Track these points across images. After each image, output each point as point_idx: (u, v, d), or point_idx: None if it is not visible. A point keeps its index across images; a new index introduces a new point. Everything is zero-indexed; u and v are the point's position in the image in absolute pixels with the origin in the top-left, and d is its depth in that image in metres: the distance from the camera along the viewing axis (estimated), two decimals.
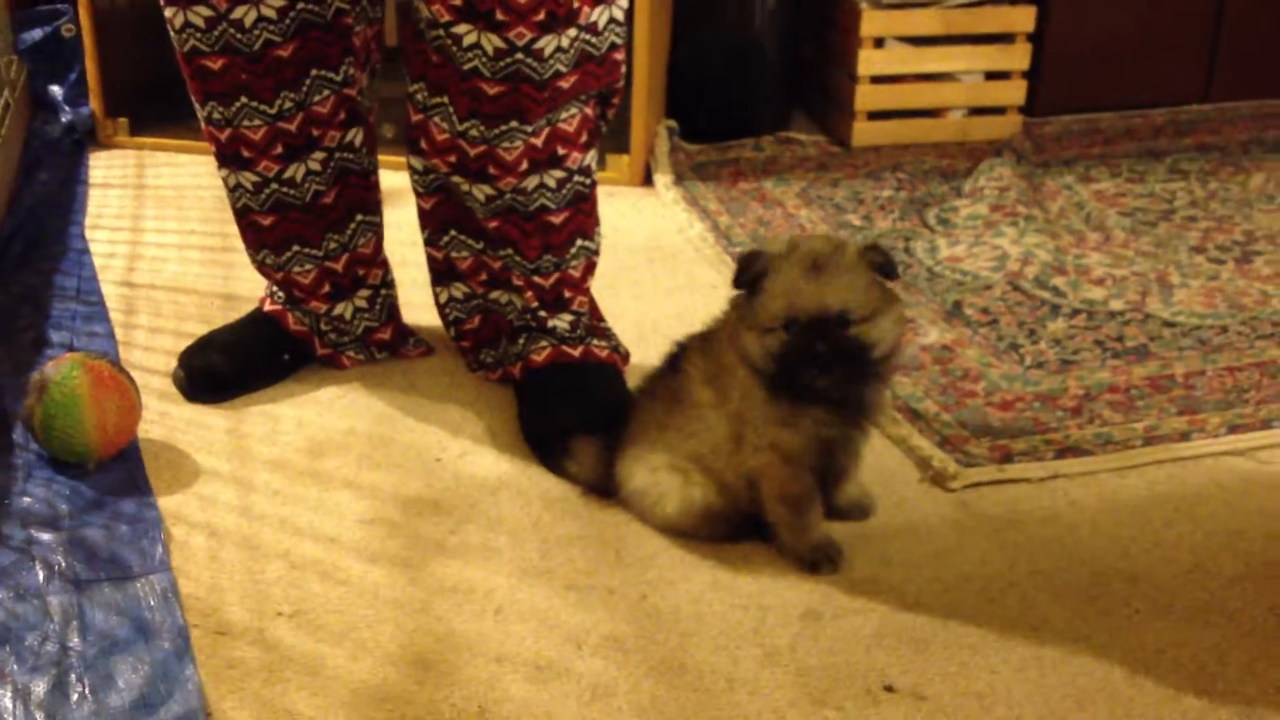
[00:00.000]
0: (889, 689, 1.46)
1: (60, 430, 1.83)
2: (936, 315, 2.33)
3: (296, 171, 2.00)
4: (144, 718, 1.39)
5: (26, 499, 1.78)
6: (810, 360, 1.49)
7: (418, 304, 2.24)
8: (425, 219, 2.07)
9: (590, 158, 1.97)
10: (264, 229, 2.06)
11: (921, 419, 1.98)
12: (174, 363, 2.11)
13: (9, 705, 1.41)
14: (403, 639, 1.54)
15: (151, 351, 2.20)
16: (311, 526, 1.75)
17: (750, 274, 1.54)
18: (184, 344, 2.14)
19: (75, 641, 1.51)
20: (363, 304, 2.13)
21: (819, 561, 1.65)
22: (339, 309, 2.12)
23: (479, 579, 1.64)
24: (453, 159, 1.93)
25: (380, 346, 2.17)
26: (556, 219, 1.96)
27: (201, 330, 2.18)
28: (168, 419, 2.00)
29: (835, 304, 1.49)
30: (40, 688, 1.43)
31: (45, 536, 1.69)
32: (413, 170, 2.02)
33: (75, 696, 1.43)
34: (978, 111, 3.12)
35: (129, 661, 1.48)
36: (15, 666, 1.46)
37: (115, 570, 1.64)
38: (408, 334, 2.21)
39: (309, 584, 1.63)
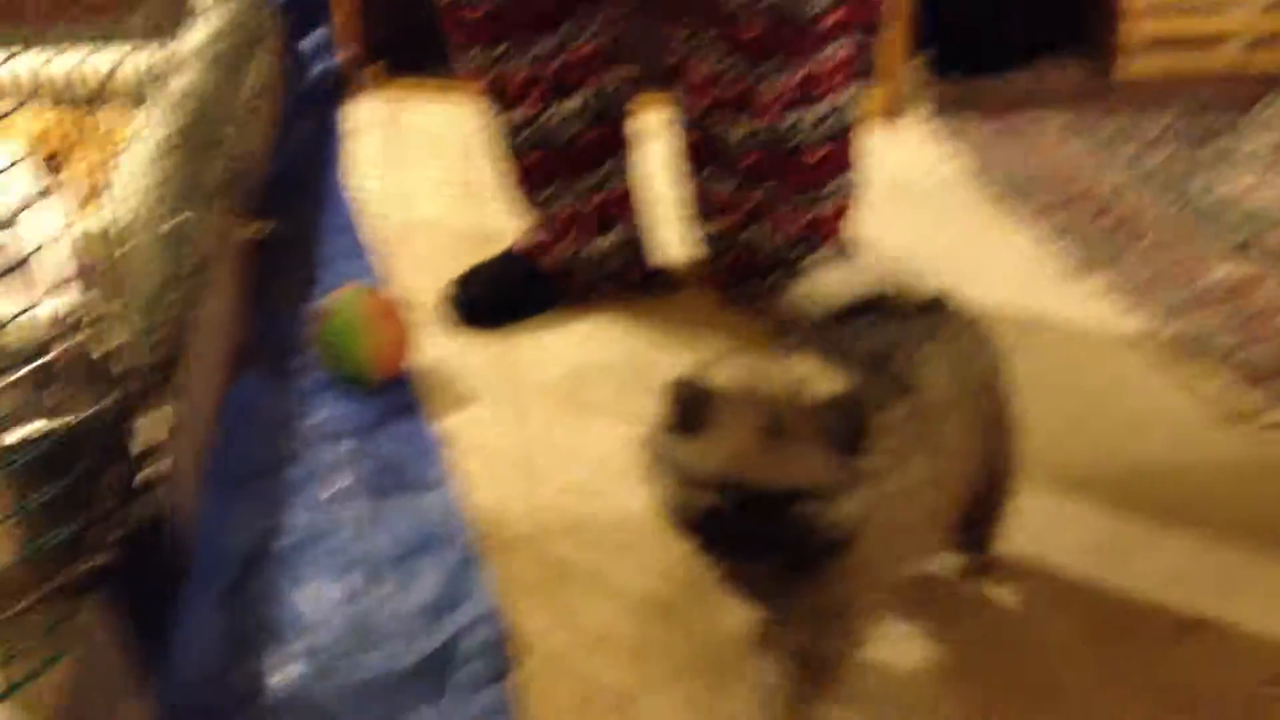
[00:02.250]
0: (1188, 627, 1.43)
1: (342, 355, 1.93)
2: (1224, 252, 2.25)
3: (557, 111, 2.06)
4: (444, 617, 1.46)
5: (315, 419, 1.88)
6: (739, 539, 1.14)
7: (669, 242, 2.28)
8: (685, 156, 2.10)
9: (851, 94, 1.97)
10: (526, 167, 2.12)
11: (1212, 355, 1.93)
12: (436, 297, 2.20)
13: (316, 602, 1.50)
14: (684, 559, 1.58)
15: (414, 286, 2.29)
16: (582, 449, 1.81)
17: (688, 417, 1.14)
18: (444, 279, 2.23)
19: (374, 547, 1.59)
20: (618, 241, 2.18)
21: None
22: (595, 246, 2.17)
23: None
24: (711, 97, 1.95)
25: (633, 283, 2.22)
26: (814, 156, 1.97)
27: (459, 267, 2.26)
28: (437, 347, 2.09)
29: (784, 481, 1.11)
30: (343, 587, 1.52)
31: (336, 451, 1.79)
32: (670, 108, 2.06)
33: (376, 597, 1.51)
34: (1260, 43, 2.95)
35: (422, 567, 1.56)
36: (319, 568, 1.55)
37: (403, 484, 1.72)
38: (661, 271, 2.25)
39: (586, 503, 1.69)
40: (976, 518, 1.46)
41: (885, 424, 1.17)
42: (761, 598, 1.25)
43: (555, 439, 1.84)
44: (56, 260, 1.36)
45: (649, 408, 1.87)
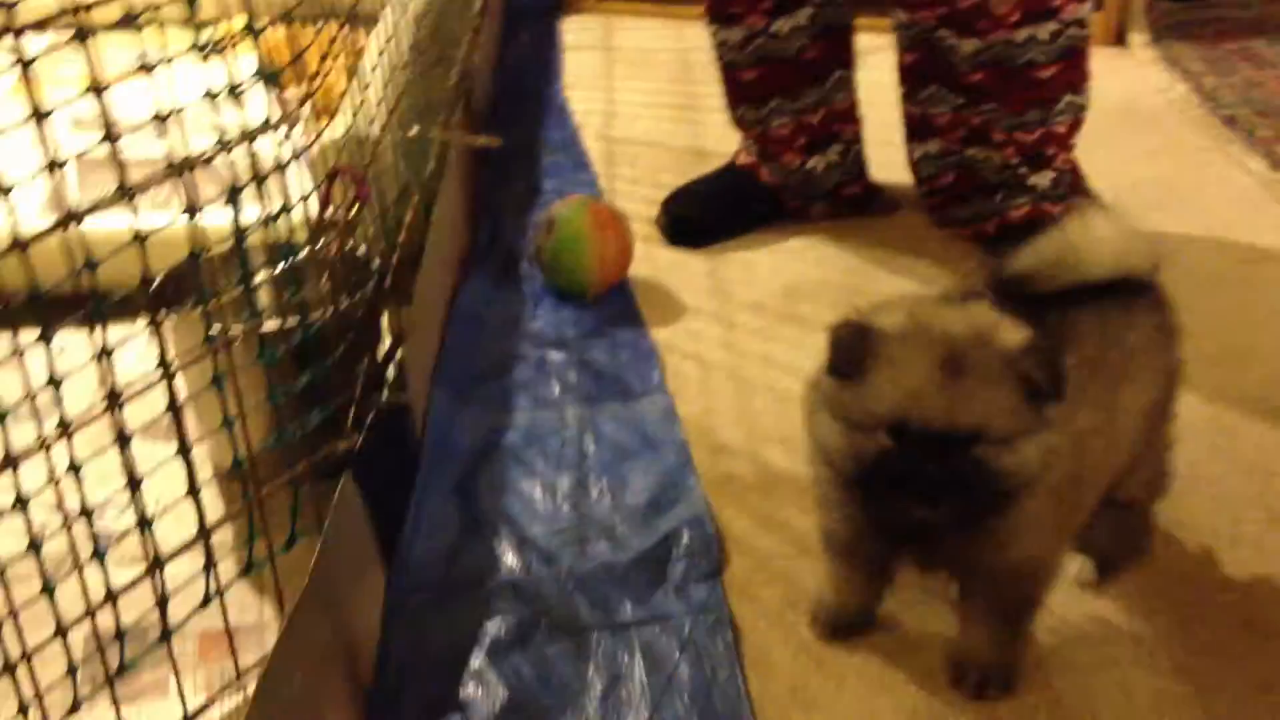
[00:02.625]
0: None
1: (565, 263, 2.00)
2: None
3: (783, 26, 2.06)
4: (655, 516, 1.53)
5: (537, 324, 1.96)
6: (915, 484, 1.08)
7: (884, 162, 2.27)
8: (904, 74, 2.09)
9: (1085, 9, 1.93)
10: (746, 83, 2.14)
11: None
12: (654, 210, 2.25)
13: (539, 496, 1.58)
14: None
15: (631, 200, 2.34)
16: (793, 363, 1.83)
17: (852, 358, 1.10)
18: (661, 194, 2.27)
19: (591, 448, 1.66)
20: (835, 159, 2.19)
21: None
22: (812, 163, 2.18)
23: None
24: (941, 11, 1.93)
25: (848, 202, 2.22)
26: (1045, 73, 1.93)
27: (676, 182, 2.31)
28: (653, 260, 2.14)
29: (968, 420, 1.06)
30: (565, 484, 1.60)
31: (557, 356, 1.87)
32: (897, 25, 2.04)
33: (595, 494, 1.58)
34: None
35: (638, 469, 1.62)
36: (542, 464, 1.63)
37: (619, 389, 1.79)
38: (876, 190, 2.25)
39: (796, 415, 1.72)
40: (1113, 524, 1.36)
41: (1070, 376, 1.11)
42: (932, 551, 1.21)
43: (767, 352, 1.87)
44: (301, 168, 1.46)
45: None
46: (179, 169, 1.04)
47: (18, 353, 1.01)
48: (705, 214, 2.20)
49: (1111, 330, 1.24)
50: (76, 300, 1.01)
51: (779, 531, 1.51)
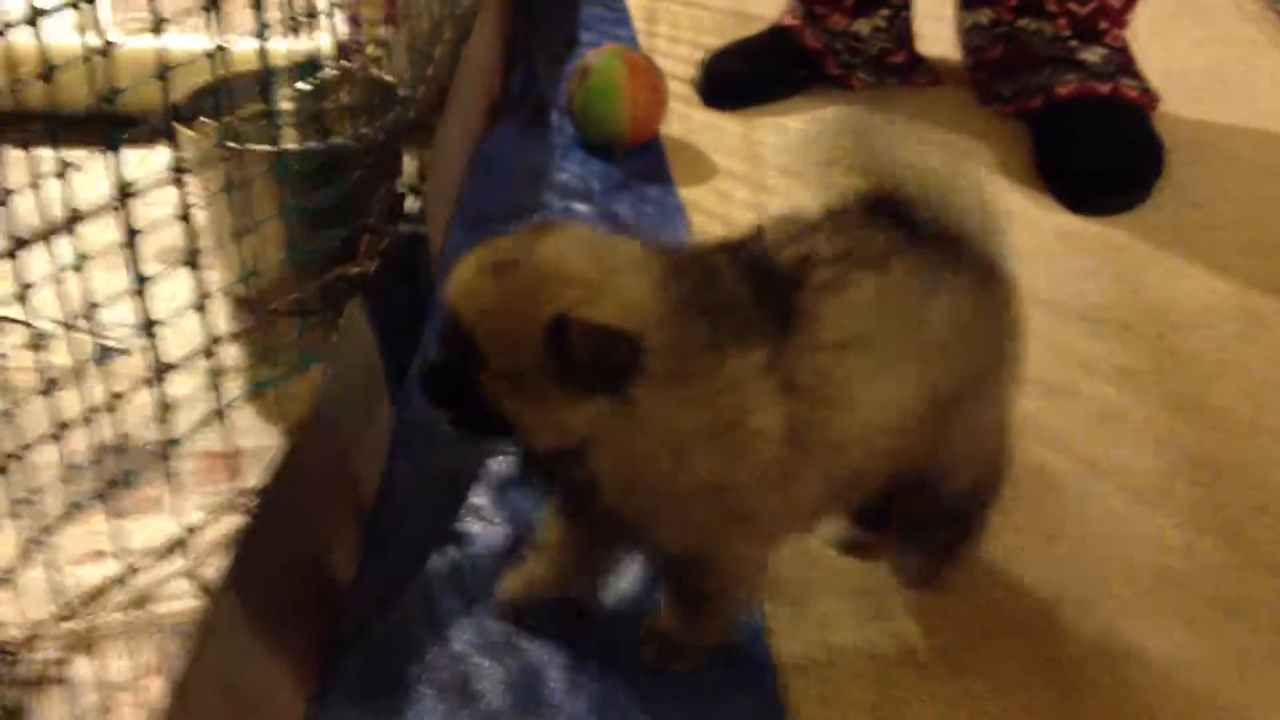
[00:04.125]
0: None
1: (596, 114, 1.95)
2: None
3: None
4: None
5: (563, 175, 1.92)
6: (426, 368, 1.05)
7: (932, 36, 2.20)
8: None
9: None
10: None
11: None
12: (691, 70, 2.19)
13: None
14: None
15: (669, 59, 2.27)
16: None
17: None
18: (699, 55, 2.21)
19: None
20: (881, 24, 2.12)
21: None
22: (857, 25, 2.11)
23: None
24: None
25: (891, 70, 2.16)
26: None
27: (716, 43, 2.24)
28: (686, 120, 2.09)
29: (462, 312, 0.99)
30: None
31: (580, 208, 1.83)
32: None
33: None
34: None
35: None
36: None
37: None
38: (919, 61, 2.18)
39: None
40: (922, 510, 1.16)
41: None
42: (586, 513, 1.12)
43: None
44: None
45: None
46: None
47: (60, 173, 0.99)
48: (744, 75, 2.14)
49: (895, 293, 1.04)
50: (98, 119, 0.98)
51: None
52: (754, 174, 1.94)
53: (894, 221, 1.05)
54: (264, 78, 1.23)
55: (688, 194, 1.88)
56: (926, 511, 1.16)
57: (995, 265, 1.09)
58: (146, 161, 1.13)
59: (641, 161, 1.95)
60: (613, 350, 0.94)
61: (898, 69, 2.16)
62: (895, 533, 1.20)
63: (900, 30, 2.14)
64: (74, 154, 0.99)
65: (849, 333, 1.01)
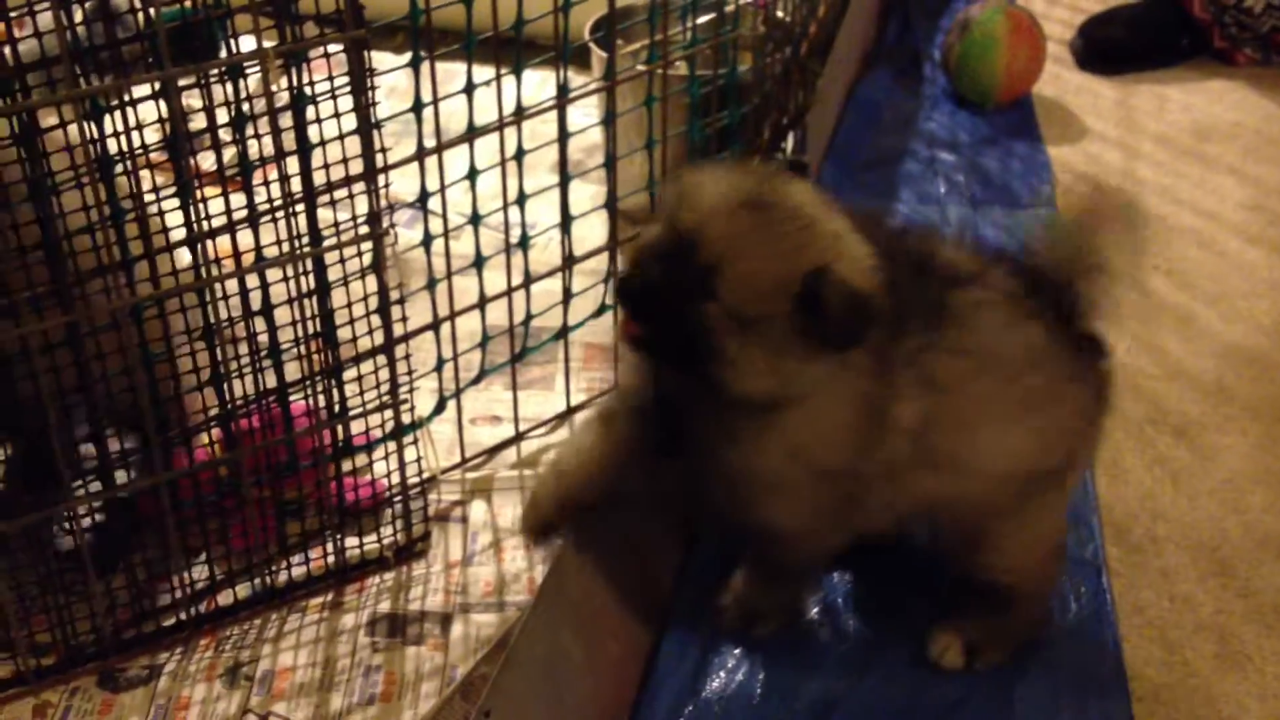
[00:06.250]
0: None
1: (972, 68, 1.98)
2: None
3: None
4: None
5: (931, 124, 1.96)
6: (629, 283, 1.01)
7: None
8: None
9: None
10: None
11: None
12: (1069, 33, 2.19)
13: None
14: (1277, 316, 1.55)
15: (1047, 21, 2.27)
16: (1192, 200, 1.78)
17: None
18: (1078, 18, 2.21)
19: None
20: (1276, 1, 2.05)
21: None
22: (1251, 0, 2.06)
23: None
24: None
25: None
26: None
27: (1095, 8, 2.23)
28: (1060, 81, 2.09)
29: (706, 249, 0.95)
30: None
31: (947, 157, 1.88)
32: None
33: None
34: None
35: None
36: None
37: (1006, 196, 1.79)
38: None
39: (1186, 249, 1.68)
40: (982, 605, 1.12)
41: None
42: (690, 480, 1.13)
43: (1168, 185, 1.82)
44: None
45: (1275, 177, 1.83)
46: None
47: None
48: (1125, 41, 2.13)
49: (1040, 351, 1.02)
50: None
51: (1155, 356, 1.49)
52: (1127, 139, 1.93)
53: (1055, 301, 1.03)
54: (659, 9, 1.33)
55: (1056, 153, 1.89)
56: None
57: (1103, 361, 1.07)
58: (547, 83, 1.27)
59: (1011, 117, 1.97)
60: (861, 312, 0.93)
61: None
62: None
63: None
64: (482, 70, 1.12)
65: (994, 353, 0.99)
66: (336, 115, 1.02)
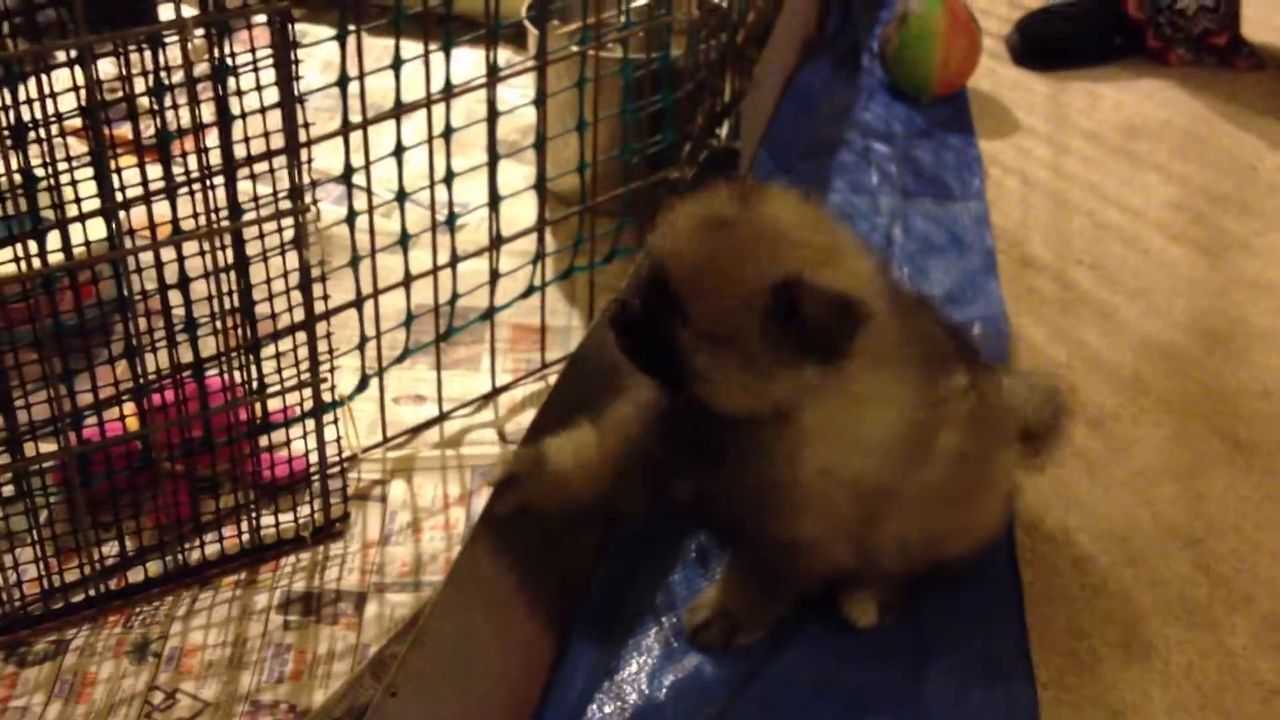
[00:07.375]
0: None
1: (909, 60, 1.99)
2: None
3: None
4: (951, 307, 1.54)
5: (867, 115, 1.97)
6: (617, 307, 1.03)
7: (1259, 21, 2.16)
8: None
9: None
10: None
11: None
12: (1005, 28, 2.21)
13: None
14: (1195, 313, 1.58)
15: (985, 17, 2.28)
16: (1119, 196, 1.81)
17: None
18: (1015, 14, 2.23)
19: (899, 237, 1.69)
20: (1209, 3, 2.08)
21: None
22: (1185, 2, 2.09)
23: None
24: None
25: (1212, 51, 2.12)
26: None
27: (1034, 4, 2.25)
28: (994, 76, 2.11)
29: (671, 268, 0.97)
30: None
31: (881, 148, 1.89)
32: None
33: (901, 277, 1.62)
34: None
35: (942, 265, 1.65)
36: None
37: (937, 189, 1.80)
38: (1243, 44, 2.13)
39: (1110, 244, 1.71)
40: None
41: None
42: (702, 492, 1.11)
43: (1095, 182, 1.84)
44: None
45: (1200, 176, 1.86)
46: None
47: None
48: (1060, 38, 2.15)
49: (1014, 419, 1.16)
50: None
51: (1072, 347, 1.51)
52: (1057, 135, 1.96)
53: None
54: None
55: (988, 146, 1.91)
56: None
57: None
58: (479, 61, 1.27)
59: (946, 110, 1.99)
60: (844, 317, 0.92)
61: (1219, 50, 2.12)
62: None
63: (1227, 12, 2.10)
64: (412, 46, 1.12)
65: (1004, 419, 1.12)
66: (258, 88, 1.01)
